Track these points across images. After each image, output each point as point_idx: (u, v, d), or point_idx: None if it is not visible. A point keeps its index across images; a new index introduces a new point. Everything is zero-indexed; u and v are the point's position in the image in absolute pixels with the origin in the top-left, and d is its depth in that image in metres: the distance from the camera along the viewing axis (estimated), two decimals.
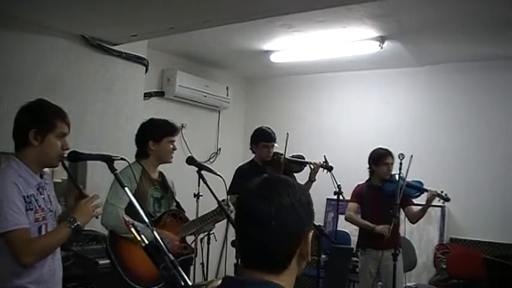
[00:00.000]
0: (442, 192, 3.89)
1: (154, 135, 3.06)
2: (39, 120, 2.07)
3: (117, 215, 2.75)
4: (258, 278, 1.10)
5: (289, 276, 1.13)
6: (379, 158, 4.14)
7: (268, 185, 1.13)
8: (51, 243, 2.07)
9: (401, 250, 3.94)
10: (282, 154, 3.96)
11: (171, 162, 3.15)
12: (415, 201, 4.13)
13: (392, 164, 4.08)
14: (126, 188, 2.05)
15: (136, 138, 3.14)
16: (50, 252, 2.09)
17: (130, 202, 2.82)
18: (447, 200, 3.91)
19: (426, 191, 3.96)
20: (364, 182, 4.26)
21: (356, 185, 4.28)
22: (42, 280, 2.06)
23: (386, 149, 4.15)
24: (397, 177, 3.94)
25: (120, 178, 2.12)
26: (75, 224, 2.06)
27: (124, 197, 2.61)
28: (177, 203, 3.24)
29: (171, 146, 3.09)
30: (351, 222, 4.25)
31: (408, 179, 3.97)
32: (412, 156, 3.85)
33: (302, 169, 4.09)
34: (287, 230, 1.09)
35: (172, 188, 3.26)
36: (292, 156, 4.08)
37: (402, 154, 3.92)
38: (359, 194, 4.21)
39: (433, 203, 4.01)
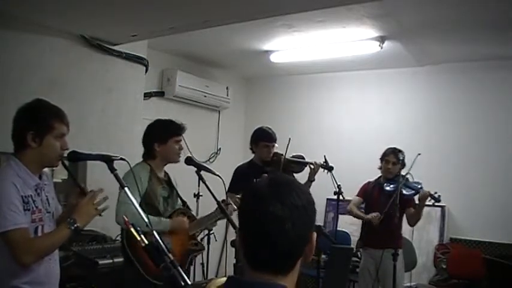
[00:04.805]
0: (435, 193, 3.88)
1: (160, 137, 3.05)
2: (37, 122, 2.05)
3: (132, 212, 2.74)
4: (268, 280, 1.08)
5: (294, 276, 1.12)
6: (382, 155, 4.15)
7: (276, 185, 1.10)
8: (51, 244, 2.06)
9: (402, 251, 3.94)
10: (282, 154, 3.94)
11: (179, 162, 3.11)
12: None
13: (393, 163, 4.07)
14: (126, 188, 2.05)
15: (143, 139, 3.13)
16: (50, 252, 2.09)
17: (147, 200, 2.85)
18: (438, 200, 3.88)
19: (420, 191, 3.95)
20: (373, 179, 4.26)
21: (366, 182, 4.29)
22: (38, 281, 2.05)
23: (394, 148, 4.10)
24: (401, 178, 3.95)
25: (120, 178, 2.11)
26: (75, 226, 2.05)
27: (135, 194, 2.66)
28: (184, 202, 3.25)
29: (177, 147, 3.07)
30: (350, 215, 4.27)
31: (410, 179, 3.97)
32: (419, 154, 3.86)
33: (302, 169, 4.08)
34: (300, 231, 1.08)
35: (176, 186, 3.26)
36: (293, 157, 4.08)
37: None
38: (364, 190, 4.25)
39: (429, 203, 4.00)
